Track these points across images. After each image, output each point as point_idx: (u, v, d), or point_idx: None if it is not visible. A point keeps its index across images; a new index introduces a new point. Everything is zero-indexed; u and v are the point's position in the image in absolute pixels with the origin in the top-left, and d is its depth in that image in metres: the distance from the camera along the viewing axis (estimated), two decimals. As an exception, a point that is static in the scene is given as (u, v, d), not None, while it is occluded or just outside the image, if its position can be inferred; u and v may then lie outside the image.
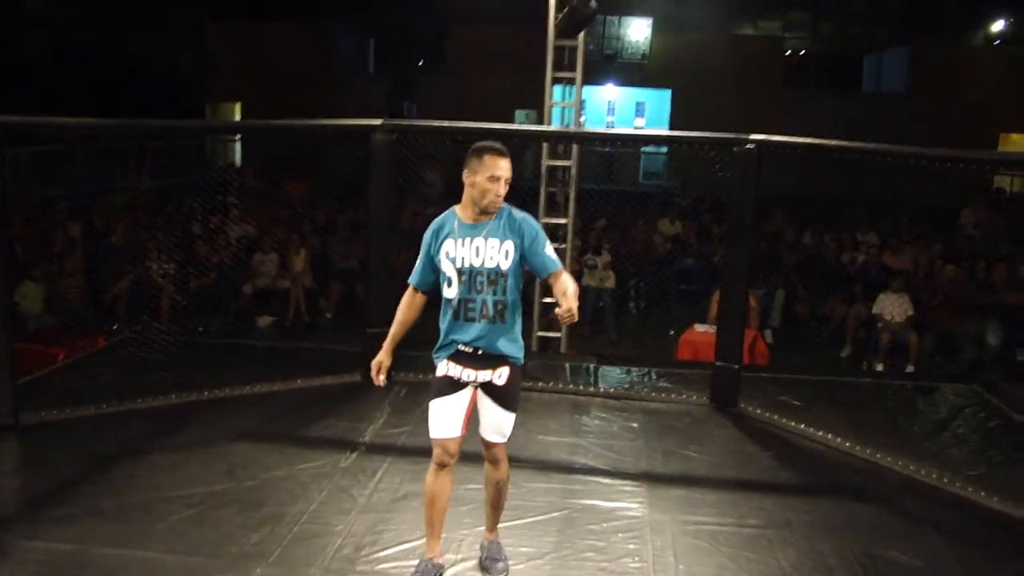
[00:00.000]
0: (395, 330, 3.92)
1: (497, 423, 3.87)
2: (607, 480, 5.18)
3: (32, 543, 4.19)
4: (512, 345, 3.80)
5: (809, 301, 10.01)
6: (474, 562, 4.15)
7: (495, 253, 3.69)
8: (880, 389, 7.31)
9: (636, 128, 24.90)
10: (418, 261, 3.86)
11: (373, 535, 4.39)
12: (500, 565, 4.09)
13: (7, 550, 4.13)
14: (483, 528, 4.22)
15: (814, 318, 9.99)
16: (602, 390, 6.76)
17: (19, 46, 18.33)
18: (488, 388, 3.82)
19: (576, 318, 3.52)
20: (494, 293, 3.72)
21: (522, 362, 3.88)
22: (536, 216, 7.88)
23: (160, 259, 9.28)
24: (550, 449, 5.61)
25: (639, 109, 26.19)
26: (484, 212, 3.71)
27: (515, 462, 5.27)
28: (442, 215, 3.84)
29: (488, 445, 3.92)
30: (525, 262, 3.73)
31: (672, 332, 9.04)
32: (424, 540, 4.04)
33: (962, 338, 8.88)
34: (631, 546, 4.40)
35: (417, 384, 6.33)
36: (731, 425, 6.18)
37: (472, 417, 3.87)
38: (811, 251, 11.27)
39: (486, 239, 3.70)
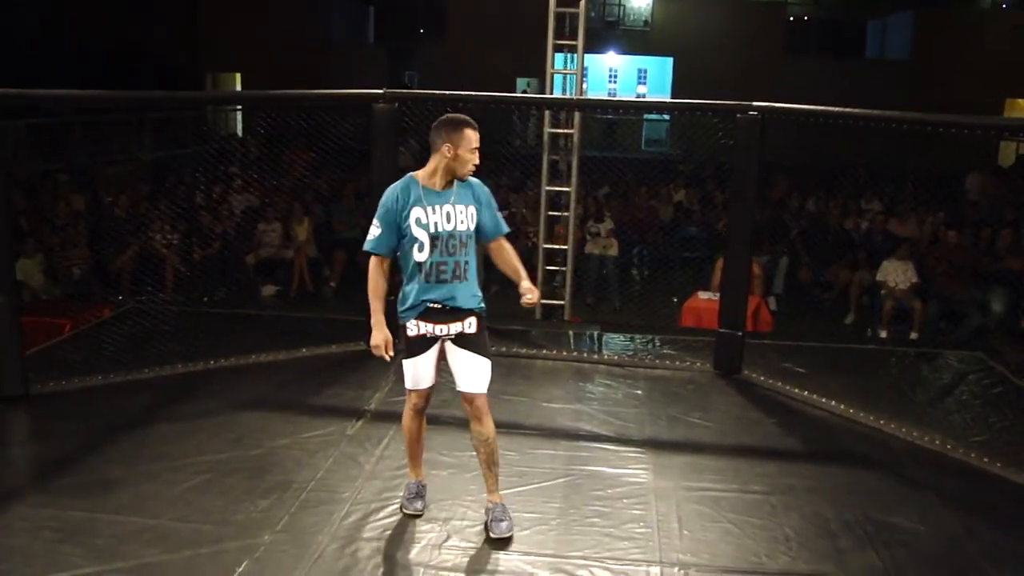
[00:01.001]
0: (380, 305, 4.03)
1: (473, 371, 4.06)
2: (611, 447, 5.22)
3: (44, 511, 4.24)
4: (476, 298, 4.08)
5: (813, 268, 10.00)
6: (480, 526, 4.20)
7: (464, 217, 3.99)
8: (884, 356, 7.33)
9: (638, 95, 24.82)
10: (378, 231, 3.99)
11: (380, 502, 4.43)
12: (504, 525, 4.18)
13: (20, 517, 4.18)
14: (486, 494, 4.29)
15: (818, 285, 9.98)
16: (606, 357, 6.79)
17: (12, 19, 18.20)
18: (460, 339, 4.06)
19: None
20: (464, 254, 4.00)
21: (483, 309, 4.12)
22: (539, 184, 7.95)
23: (163, 230, 9.28)
24: (555, 416, 5.65)
25: (641, 76, 26.08)
26: (456, 180, 3.99)
27: (520, 429, 5.36)
28: (399, 184, 4.00)
29: (470, 399, 4.08)
30: (483, 222, 4.06)
31: (676, 299, 9.04)
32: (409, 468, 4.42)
33: (966, 305, 8.87)
34: (636, 512, 4.44)
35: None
36: (735, 392, 6.21)
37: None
38: (815, 218, 11.25)
39: (454, 205, 3.97)
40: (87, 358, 6.25)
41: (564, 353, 6.82)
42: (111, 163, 12.63)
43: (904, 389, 6.38)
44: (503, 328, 7.15)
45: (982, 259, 9.48)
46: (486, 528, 4.20)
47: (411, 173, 4.05)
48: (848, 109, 5.89)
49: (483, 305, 4.12)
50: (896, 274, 9.08)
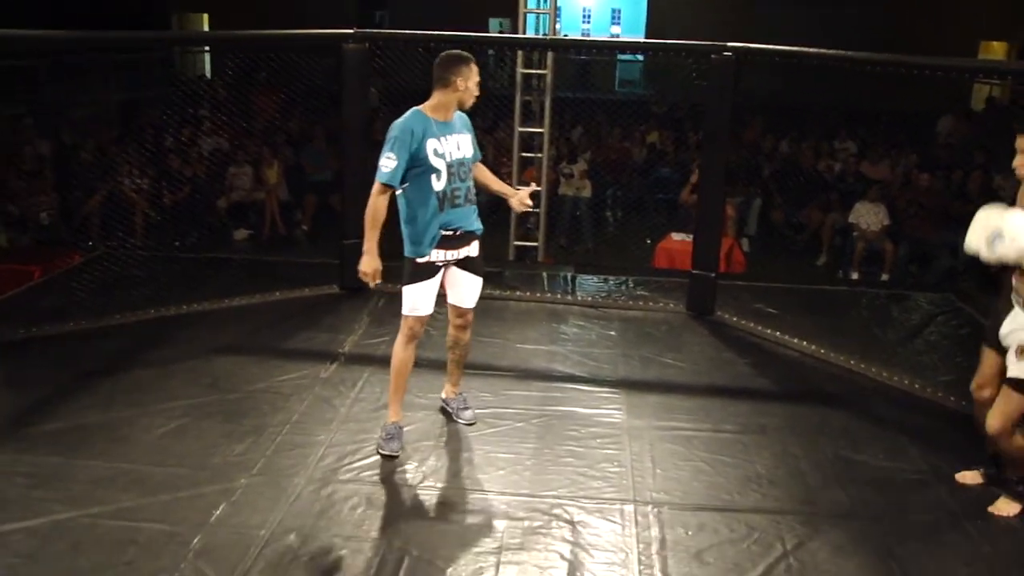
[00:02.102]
0: (377, 234, 4.15)
1: (471, 289, 4.49)
2: (585, 387, 5.26)
3: (19, 457, 4.22)
4: (478, 220, 4.41)
5: (785, 210, 10.04)
6: (456, 467, 4.24)
7: (467, 145, 4.31)
8: (855, 297, 7.39)
9: (612, 36, 24.59)
10: (394, 163, 4.08)
11: (355, 444, 4.45)
12: (468, 413, 4.72)
13: (-8, 464, 4.17)
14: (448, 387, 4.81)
15: (790, 227, 10.03)
16: (579, 298, 6.81)
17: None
18: (464, 262, 4.40)
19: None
20: (470, 179, 4.34)
21: (482, 228, 4.44)
22: (512, 124, 7.89)
23: (132, 174, 9.15)
24: (528, 357, 5.67)
25: (615, 16, 25.80)
26: (460, 111, 4.29)
27: (493, 370, 5.39)
28: (407, 117, 4.17)
29: (462, 312, 4.55)
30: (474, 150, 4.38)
31: (649, 241, 9.07)
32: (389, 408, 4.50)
33: (937, 247, 8.96)
34: (609, 451, 4.49)
35: (395, 295, 6.33)
36: (707, 333, 6.25)
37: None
38: (788, 159, 11.26)
39: (459, 134, 4.27)
40: (58, 305, 6.17)
41: (538, 294, 6.83)
42: (77, 106, 12.38)
43: (874, 330, 6.46)
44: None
45: (953, 202, 9.55)
46: (451, 416, 4.74)
47: (416, 107, 4.21)
48: (822, 50, 5.87)
49: (482, 227, 4.44)
50: (868, 216, 9.15)
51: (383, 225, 4.15)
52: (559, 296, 6.84)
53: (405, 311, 4.32)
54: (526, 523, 3.86)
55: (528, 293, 6.84)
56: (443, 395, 4.83)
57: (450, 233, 4.24)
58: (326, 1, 20.58)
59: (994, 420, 3.86)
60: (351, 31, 6.37)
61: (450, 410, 4.76)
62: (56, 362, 5.31)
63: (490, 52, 12.31)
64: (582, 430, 4.70)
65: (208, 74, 16.55)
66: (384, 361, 5.43)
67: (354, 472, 4.21)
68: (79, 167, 9.31)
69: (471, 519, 3.88)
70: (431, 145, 4.11)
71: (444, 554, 3.62)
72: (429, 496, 4.04)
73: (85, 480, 4.04)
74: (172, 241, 8.75)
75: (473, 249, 4.40)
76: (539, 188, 4.25)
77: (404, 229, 4.26)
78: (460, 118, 4.32)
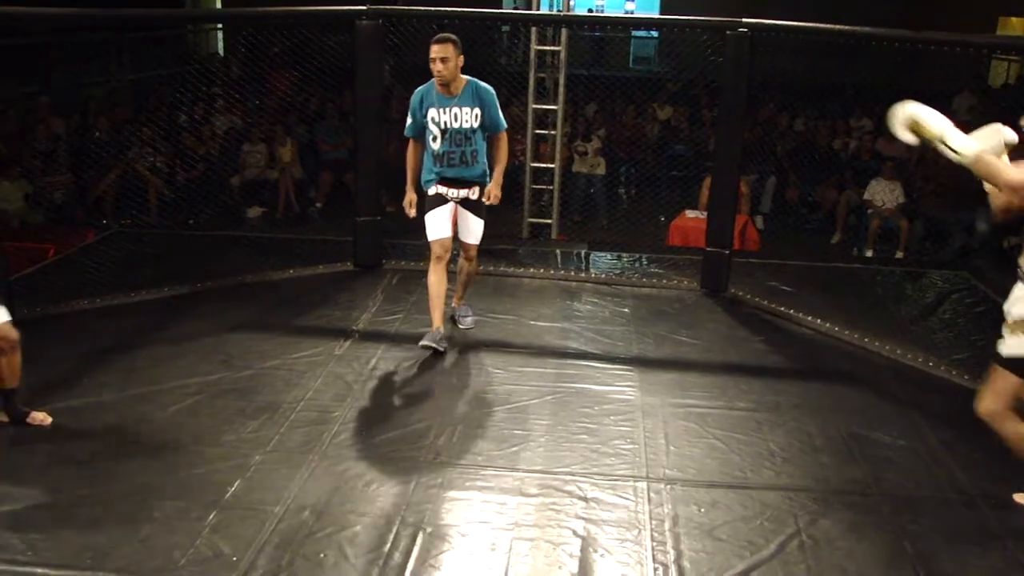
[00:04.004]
0: (413, 176, 5.31)
1: (473, 227, 5.35)
2: (599, 364, 5.26)
3: (36, 432, 4.26)
4: (482, 176, 5.27)
5: (800, 187, 9.97)
6: (471, 443, 4.26)
7: (468, 117, 5.10)
8: (869, 274, 7.37)
9: (626, 12, 24.41)
10: (410, 120, 5.23)
11: (369, 420, 4.47)
12: (469, 320, 5.70)
13: (13, 441, 4.21)
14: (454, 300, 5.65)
15: (805, 204, 9.97)
16: (593, 276, 6.81)
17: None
18: (465, 202, 5.27)
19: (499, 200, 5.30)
20: (469, 145, 5.15)
21: (488, 182, 5.27)
22: (525, 102, 7.86)
23: (145, 152, 9.15)
24: (542, 334, 5.68)
25: (629, -8, 25.57)
26: (463, 86, 5.12)
27: (508, 347, 5.41)
28: (422, 88, 5.16)
29: (466, 247, 5.44)
30: (484, 120, 5.14)
31: (663, 218, 9.03)
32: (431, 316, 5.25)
33: (951, 225, 8.89)
34: (623, 428, 4.49)
35: (409, 272, 6.37)
36: (721, 310, 6.24)
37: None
38: (803, 137, 11.17)
39: (460, 107, 5.09)
40: (73, 283, 6.21)
41: (551, 272, 6.83)
42: (91, 84, 12.38)
43: (889, 307, 6.44)
44: (491, 248, 7.15)
45: (968, 180, 9.46)
46: (453, 320, 5.65)
47: (432, 80, 5.10)
48: (838, 26, 5.82)
49: (487, 179, 5.26)
50: (883, 193, 9.08)
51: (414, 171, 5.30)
52: (573, 273, 6.84)
53: (428, 237, 5.25)
54: (539, 499, 3.87)
55: (542, 270, 6.84)
56: (452, 304, 5.68)
57: (451, 177, 5.19)
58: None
59: (984, 401, 3.78)
60: (364, 7, 6.35)
61: (456, 317, 5.69)
62: (71, 340, 5.35)
63: (504, 28, 12.22)
64: (595, 407, 4.71)
65: (221, 52, 16.51)
66: (397, 337, 5.51)
67: (368, 449, 4.23)
68: (93, 145, 9.30)
69: (484, 495, 3.90)
70: (431, 113, 5.09)
71: (458, 530, 3.64)
72: (443, 473, 4.05)
73: (101, 457, 4.07)
74: (186, 219, 8.76)
75: (474, 192, 5.25)
76: (488, 202, 5.31)
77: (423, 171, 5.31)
78: (470, 93, 5.11)
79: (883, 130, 11.01)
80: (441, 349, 5.19)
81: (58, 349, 5.19)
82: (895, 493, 4.03)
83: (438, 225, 5.22)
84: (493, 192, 5.23)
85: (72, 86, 11.91)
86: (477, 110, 5.10)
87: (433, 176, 5.22)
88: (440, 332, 5.23)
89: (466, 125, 5.09)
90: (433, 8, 6.53)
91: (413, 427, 4.43)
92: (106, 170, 8.81)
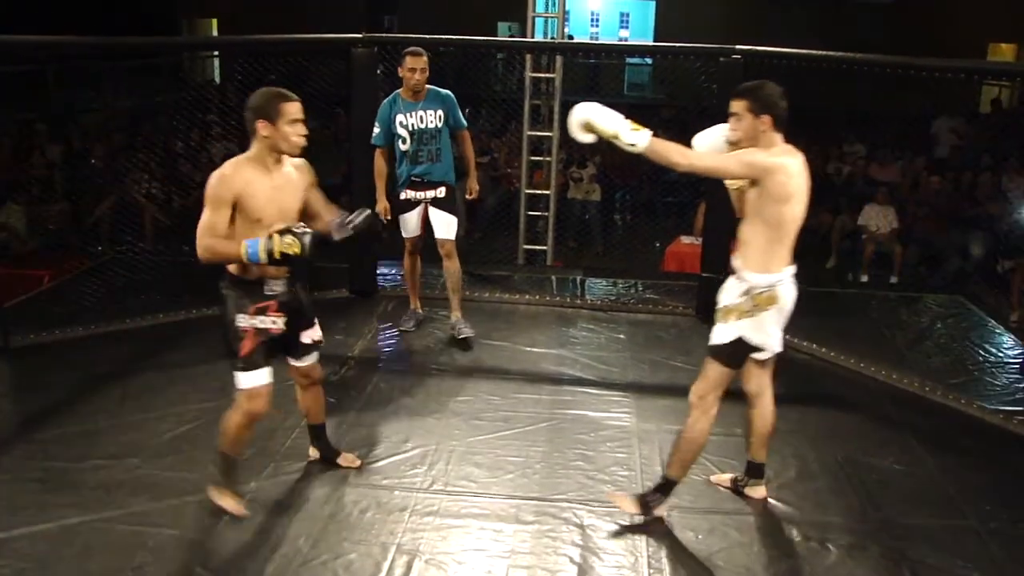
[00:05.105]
0: (382, 183, 5.75)
1: (444, 223, 5.71)
2: (595, 391, 5.25)
3: (29, 462, 4.24)
4: (447, 175, 5.73)
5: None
6: (465, 469, 4.24)
7: (433, 118, 5.60)
8: (864, 300, 7.38)
9: (620, 39, 24.59)
10: (377, 129, 5.68)
11: (365, 447, 4.45)
12: (467, 329, 5.88)
13: (5, 469, 4.18)
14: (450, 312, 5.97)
15: (800, 229, 10.00)
16: (589, 302, 6.81)
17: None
18: (434, 201, 5.70)
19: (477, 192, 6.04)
20: (435, 143, 5.63)
21: (455, 183, 5.80)
22: (521, 128, 7.90)
23: (141, 179, 9.16)
24: (538, 361, 5.67)
25: (623, 20, 25.79)
26: (425, 92, 5.62)
27: (503, 373, 5.40)
28: (388, 99, 5.66)
29: (442, 243, 5.72)
30: (448, 119, 5.65)
31: (658, 244, 9.05)
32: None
33: (946, 249, 8.93)
34: (619, 455, 4.48)
35: (404, 299, 6.35)
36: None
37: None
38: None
39: (424, 111, 5.59)
40: (67, 309, 6.19)
41: (547, 298, 6.83)
42: (87, 112, 12.42)
43: (884, 332, 6.44)
44: (486, 273, 7.16)
45: (962, 204, 9.51)
46: (452, 333, 5.89)
47: (397, 91, 5.63)
48: (831, 52, 5.86)
49: (452, 177, 5.75)
50: (877, 219, 9.12)
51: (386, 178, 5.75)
52: (568, 300, 6.84)
53: (403, 234, 5.81)
54: (536, 527, 3.86)
55: (537, 296, 6.84)
56: (451, 318, 5.96)
57: (418, 179, 5.66)
58: (334, 5, 20.62)
59: (694, 387, 3.89)
60: (359, 36, 6.39)
61: (454, 329, 5.89)
62: (66, 367, 5.33)
63: (499, 56, 12.31)
64: (591, 434, 4.70)
65: (217, 79, 16.57)
66: (393, 364, 5.48)
67: (364, 476, 4.21)
68: (89, 172, 9.32)
69: (481, 523, 3.88)
70: (398, 119, 5.58)
71: (453, 558, 3.62)
72: (439, 500, 4.04)
73: (95, 484, 4.05)
74: (181, 245, 8.76)
75: (440, 192, 5.70)
76: (474, 198, 6.10)
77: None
78: (435, 96, 5.63)
79: (876, 155, 11.13)
80: (412, 330, 5.98)
81: (51, 376, 5.18)
82: (893, 519, 4.02)
83: (409, 226, 5.80)
84: (472, 187, 5.94)
85: (69, 112, 11.93)
86: (441, 111, 5.61)
87: (403, 179, 5.69)
88: (418, 313, 6.05)
89: (431, 125, 5.60)
90: (429, 36, 6.57)
91: (408, 454, 4.41)
92: (102, 196, 8.82)
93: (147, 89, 14.41)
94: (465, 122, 5.84)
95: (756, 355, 3.86)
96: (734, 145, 3.75)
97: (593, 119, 3.51)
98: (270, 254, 3.47)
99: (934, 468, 4.47)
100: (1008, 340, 6.34)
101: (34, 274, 7.17)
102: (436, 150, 5.65)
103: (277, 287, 3.78)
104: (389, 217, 5.74)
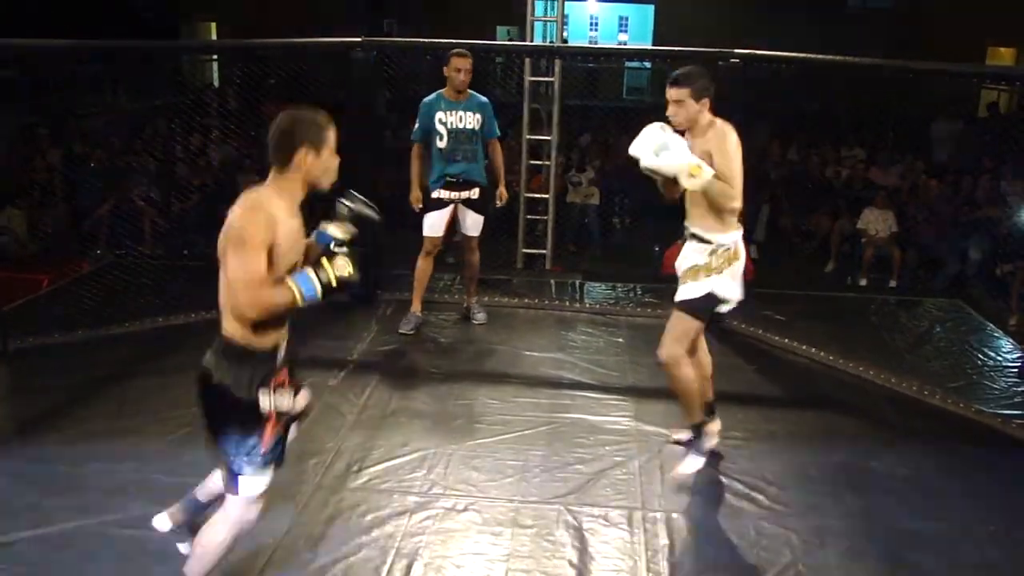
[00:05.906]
0: (417, 173, 5.96)
1: (474, 223, 6.04)
2: (594, 394, 5.26)
3: (28, 466, 4.24)
4: (480, 176, 5.98)
5: (794, 216, 10.01)
6: (463, 474, 4.24)
7: (471, 120, 5.84)
8: (863, 303, 7.38)
9: (619, 43, 24.62)
10: (417, 126, 5.90)
11: (364, 451, 4.46)
12: (481, 315, 6.33)
13: (4, 472, 4.18)
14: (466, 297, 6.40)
15: (798, 233, 10.01)
16: (588, 306, 6.81)
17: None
18: (467, 202, 5.96)
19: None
20: (471, 144, 5.87)
21: (486, 184, 6.03)
22: (520, 132, 7.90)
23: (141, 183, 9.16)
24: (537, 365, 5.67)
25: (622, 24, 25.81)
26: (467, 95, 5.86)
27: (502, 377, 5.40)
28: (430, 98, 5.86)
29: (469, 239, 6.11)
30: (484, 125, 5.88)
31: (657, 248, 9.04)
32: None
33: (945, 253, 8.92)
34: (618, 458, 4.48)
35: (404, 303, 6.35)
36: (715, 340, 6.20)
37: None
38: (796, 166, 11.23)
39: (464, 112, 5.82)
40: (66, 313, 6.19)
41: (546, 302, 6.84)
42: (86, 115, 12.42)
43: (883, 336, 6.44)
44: (485, 277, 7.15)
45: (961, 207, 9.51)
46: (467, 317, 6.34)
47: (439, 91, 5.86)
48: (828, 56, 5.87)
49: (486, 180, 6.02)
50: (876, 222, 9.12)
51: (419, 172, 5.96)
52: (567, 303, 6.84)
53: (424, 232, 5.97)
54: (534, 530, 3.85)
55: (536, 300, 6.85)
56: (465, 304, 6.40)
57: (453, 179, 5.87)
58: (335, 9, 20.64)
59: (665, 347, 4.10)
60: (359, 39, 6.40)
61: (470, 313, 6.36)
62: (65, 370, 5.33)
63: (498, 60, 12.33)
64: (590, 437, 4.70)
65: (216, 83, 16.57)
66: (391, 368, 5.49)
67: (363, 479, 4.21)
68: (88, 176, 9.32)
69: (479, 526, 3.88)
70: (438, 116, 5.79)
71: (452, 561, 3.62)
72: (438, 503, 4.03)
73: (94, 488, 4.05)
74: (181, 249, 8.76)
75: (474, 193, 5.95)
76: (502, 204, 6.25)
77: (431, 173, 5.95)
78: (474, 102, 5.85)
79: (875, 159, 11.13)
80: (411, 333, 6.06)
81: (50, 380, 5.18)
82: (892, 523, 4.02)
83: (434, 226, 5.95)
84: (503, 193, 6.14)
85: (69, 116, 11.92)
86: (479, 115, 5.85)
87: (438, 178, 5.88)
88: (418, 316, 6.16)
89: (469, 127, 5.83)
90: (428, 40, 6.59)
91: (408, 457, 4.41)
92: (101, 200, 8.82)
93: (146, 93, 14.41)
94: (498, 132, 6.05)
95: (720, 308, 4.21)
96: (677, 129, 4.09)
97: (670, 144, 3.86)
98: (326, 287, 2.92)
99: (933, 471, 4.47)
100: (1007, 344, 6.34)
101: (33, 278, 7.16)
102: (472, 151, 5.88)
103: (283, 350, 3.08)
104: (420, 206, 5.93)
